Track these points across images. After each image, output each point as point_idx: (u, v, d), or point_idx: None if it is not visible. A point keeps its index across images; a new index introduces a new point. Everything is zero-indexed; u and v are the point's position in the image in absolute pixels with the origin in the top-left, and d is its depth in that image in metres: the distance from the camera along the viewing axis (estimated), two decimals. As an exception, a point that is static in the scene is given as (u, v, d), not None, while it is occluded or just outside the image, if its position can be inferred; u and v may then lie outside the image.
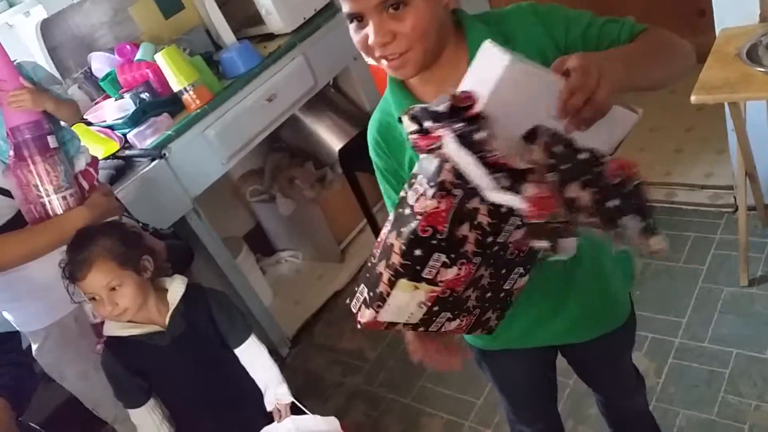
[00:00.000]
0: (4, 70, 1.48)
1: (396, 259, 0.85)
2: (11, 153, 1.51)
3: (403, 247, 0.83)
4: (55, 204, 1.53)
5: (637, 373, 1.43)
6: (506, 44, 1.01)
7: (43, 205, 1.52)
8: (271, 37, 2.51)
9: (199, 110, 2.15)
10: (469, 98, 0.79)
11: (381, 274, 0.87)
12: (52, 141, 1.54)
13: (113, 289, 1.42)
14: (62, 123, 1.63)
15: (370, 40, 0.95)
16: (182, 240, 1.99)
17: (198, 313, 1.53)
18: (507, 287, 0.97)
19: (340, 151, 2.49)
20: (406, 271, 0.85)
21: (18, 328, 1.71)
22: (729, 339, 1.88)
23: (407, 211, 0.84)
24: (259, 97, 2.30)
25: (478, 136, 0.78)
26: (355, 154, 2.45)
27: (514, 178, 0.80)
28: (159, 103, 2.20)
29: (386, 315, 0.90)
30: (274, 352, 2.17)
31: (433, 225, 0.82)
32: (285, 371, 1.67)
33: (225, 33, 2.49)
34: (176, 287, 1.53)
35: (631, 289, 1.26)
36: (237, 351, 1.57)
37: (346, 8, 0.96)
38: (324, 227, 2.76)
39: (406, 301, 0.89)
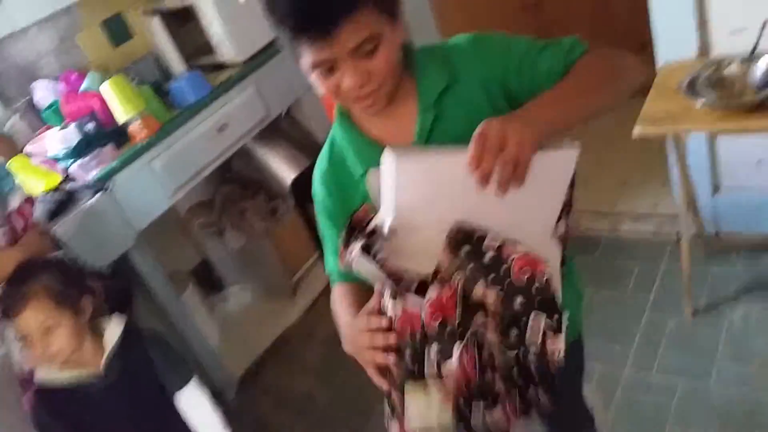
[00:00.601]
0: None
1: (392, 366, 0.89)
2: None
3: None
4: None
5: (587, 407, 1.42)
6: (452, 80, 1.02)
7: None
8: (222, 66, 2.48)
9: (145, 141, 2.10)
10: (365, 213, 0.89)
11: (387, 384, 0.91)
12: None
13: (48, 329, 1.35)
14: None
15: (345, 85, 0.93)
16: (122, 278, 1.93)
17: (135, 356, 1.47)
18: (528, 355, 0.88)
19: (293, 181, 2.46)
20: (405, 373, 0.88)
21: None
22: (674, 369, 1.90)
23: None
24: (209, 128, 2.27)
25: (376, 248, 0.85)
26: (308, 184, 2.42)
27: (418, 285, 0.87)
28: (104, 134, 2.14)
29: (414, 422, 0.90)
30: (219, 395, 2.11)
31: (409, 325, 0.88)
32: (230, 417, 1.60)
33: (175, 62, 2.45)
34: (113, 329, 1.47)
35: (580, 309, 1.23)
36: (177, 396, 1.50)
37: (315, 57, 0.91)
38: (275, 261, 2.71)
39: (425, 404, 0.88)
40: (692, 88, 1.67)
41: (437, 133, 1.03)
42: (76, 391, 1.41)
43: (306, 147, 2.71)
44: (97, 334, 1.46)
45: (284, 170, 2.66)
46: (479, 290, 0.85)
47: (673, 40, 1.92)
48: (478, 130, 0.81)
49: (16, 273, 1.41)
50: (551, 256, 0.90)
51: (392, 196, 0.85)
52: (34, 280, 1.37)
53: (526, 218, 0.87)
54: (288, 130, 2.72)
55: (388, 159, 0.85)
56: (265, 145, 2.67)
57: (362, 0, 0.88)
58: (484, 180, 0.79)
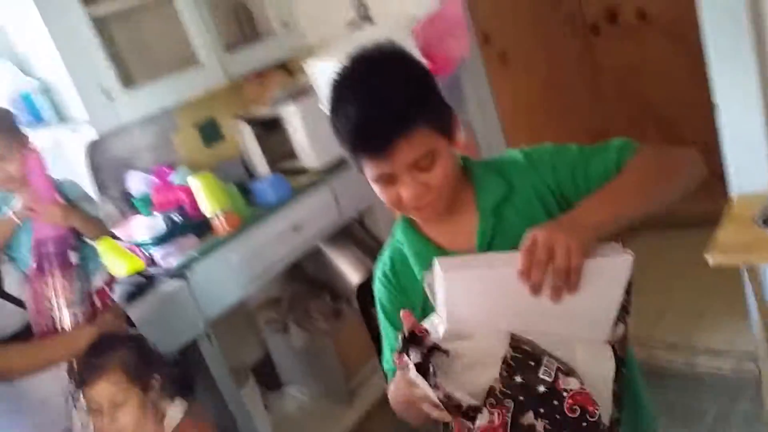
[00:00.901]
0: (42, 185, 1.56)
1: None
2: (33, 264, 1.55)
3: None
4: (65, 319, 1.55)
5: None
6: (510, 191, 1.06)
7: (53, 318, 1.54)
8: (303, 171, 2.63)
9: (226, 235, 2.21)
10: (421, 331, 0.88)
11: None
12: (73, 257, 1.59)
13: (117, 404, 1.39)
14: (86, 239, 1.68)
15: (404, 196, 0.99)
16: (187, 364, 1.96)
17: None
18: None
19: (359, 286, 2.50)
20: None
21: None
22: None
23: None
24: (285, 227, 2.37)
25: (431, 367, 0.86)
26: (372, 289, 2.46)
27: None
28: (188, 225, 2.27)
29: None
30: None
31: None
32: None
33: (260, 165, 2.62)
34: (175, 412, 1.49)
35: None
36: None
37: (376, 171, 0.98)
38: (335, 363, 2.70)
39: None
40: (767, 221, 1.67)
41: (498, 239, 1.06)
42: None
43: (374, 252, 2.77)
44: (159, 414, 1.48)
45: (351, 273, 2.72)
46: (528, 419, 0.86)
47: (745, 172, 1.93)
48: (525, 240, 0.84)
49: (96, 345, 1.47)
50: (606, 358, 0.90)
51: (443, 308, 0.88)
52: (112, 353, 1.43)
53: (580, 322, 0.88)
54: (358, 234, 2.81)
55: (437, 272, 0.88)
56: (336, 247, 2.75)
57: (416, 120, 0.95)
58: (536, 290, 0.82)
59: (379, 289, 1.18)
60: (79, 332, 1.56)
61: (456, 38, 2.22)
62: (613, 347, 0.92)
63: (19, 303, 1.56)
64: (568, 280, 0.81)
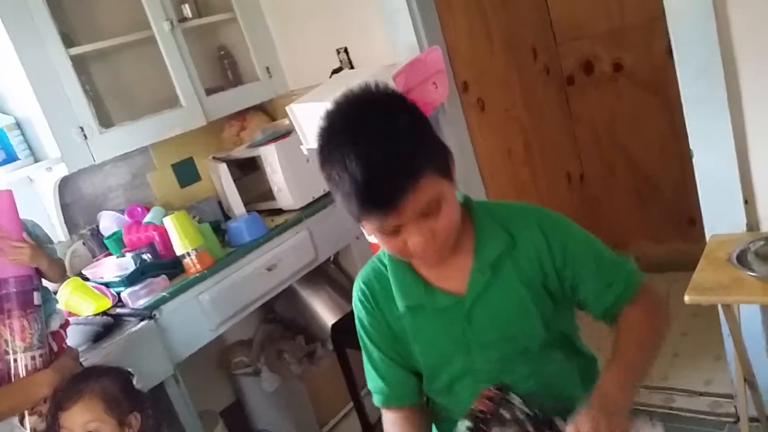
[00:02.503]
0: (10, 223, 1.51)
1: None
2: None
3: None
4: (21, 364, 1.48)
5: None
6: (512, 246, 1.06)
7: (8, 362, 1.47)
8: (279, 212, 2.61)
9: (197, 274, 2.17)
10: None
11: None
12: (36, 297, 1.53)
13: None
14: (44, 282, 1.63)
15: (411, 244, 0.97)
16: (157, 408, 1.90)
17: None
18: None
19: (333, 326, 2.46)
20: None
21: None
22: None
23: None
24: (259, 266, 2.33)
25: None
26: (347, 330, 2.41)
27: None
28: (159, 264, 2.22)
29: None
30: None
31: None
32: None
33: (236, 205, 2.59)
34: None
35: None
36: None
37: (378, 224, 0.95)
38: (308, 407, 2.63)
39: None
40: (742, 260, 1.68)
41: (490, 293, 1.05)
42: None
43: (349, 293, 2.74)
44: None
45: (326, 314, 2.68)
46: None
47: (720, 214, 1.95)
48: (570, 429, 0.90)
49: (85, 370, 1.46)
50: None
51: None
52: (94, 381, 1.40)
53: None
54: (333, 275, 2.77)
55: None
56: (310, 288, 2.72)
57: (424, 168, 0.92)
58: None
59: (357, 307, 1.17)
60: (39, 378, 1.49)
61: (435, 85, 2.25)
62: None
63: None
64: None
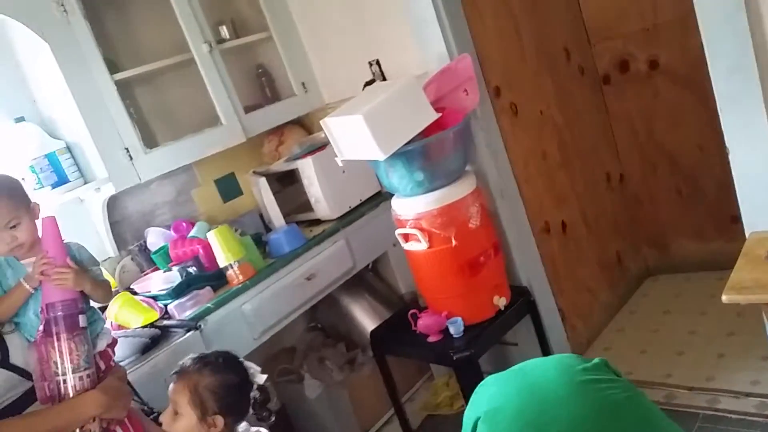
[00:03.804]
0: (54, 249, 1.57)
1: None
2: (40, 328, 1.54)
3: None
4: (70, 384, 1.53)
5: None
6: None
7: (58, 383, 1.52)
8: (317, 222, 2.68)
9: (240, 285, 2.25)
10: None
11: None
12: (82, 320, 1.58)
13: (176, 413, 1.50)
14: (92, 303, 1.69)
15: None
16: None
17: None
18: None
19: (372, 332, 2.50)
20: None
21: None
22: None
23: None
24: (299, 276, 2.40)
25: None
26: (387, 336, 2.46)
27: None
28: (204, 277, 2.31)
29: None
30: None
31: None
32: None
33: (276, 217, 2.67)
34: None
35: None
36: None
37: None
38: (350, 414, 2.67)
39: None
40: (782, 258, 1.64)
41: None
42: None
43: (388, 300, 2.78)
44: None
45: (365, 321, 2.72)
46: None
47: (759, 211, 1.91)
48: None
49: (200, 358, 1.57)
50: None
51: None
52: (198, 372, 1.51)
53: None
54: (372, 282, 2.82)
55: None
56: (349, 296, 2.76)
57: None
58: None
59: None
60: (86, 398, 1.54)
61: (466, 92, 2.28)
62: None
63: (22, 373, 1.53)
64: None
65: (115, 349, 1.78)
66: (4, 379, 1.49)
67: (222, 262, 2.30)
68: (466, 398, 2.19)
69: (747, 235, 1.93)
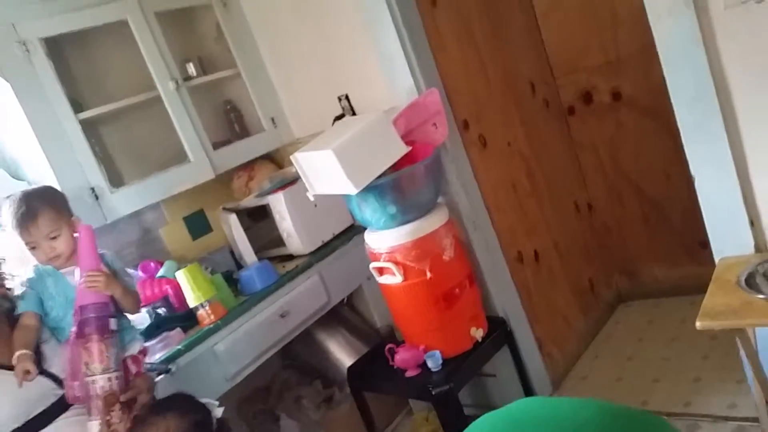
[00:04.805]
0: (90, 254, 1.68)
1: None
2: (74, 329, 1.63)
3: None
4: (99, 384, 1.60)
5: None
6: None
7: (87, 384, 1.59)
8: (290, 257, 2.65)
9: (211, 325, 2.19)
10: None
11: None
12: (112, 323, 1.68)
13: None
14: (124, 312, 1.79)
15: None
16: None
17: None
18: None
19: (350, 368, 2.46)
20: None
21: None
22: None
23: None
24: (272, 313, 2.36)
25: None
26: (364, 372, 2.42)
27: None
28: (174, 318, 2.26)
29: None
30: None
31: None
32: None
33: (247, 254, 2.63)
34: None
35: None
36: None
37: None
38: (328, 453, 2.62)
39: None
40: (750, 282, 1.68)
41: None
42: None
43: (364, 334, 2.75)
44: None
45: (342, 356, 2.68)
46: None
47: (727, 236, 1.95)
48: None
49: (154, 406, 1.57)
50: None
51: None
52: (165, 413, 1.50)
53: None
54: (348, 317, 2.78)
55: None
56: (325, 331, 2.73)
57: None
58: None
59: None
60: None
61: (435, 125, 2.30)
62: None
63: (56, 380, 1.62)
64: None
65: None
66: (40, 386, 1.58)
67: (192, 302, 2.24)
68: (447, 432, 2.16)
69: (716, 261, 1.96)
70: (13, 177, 2.29)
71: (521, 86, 3.04)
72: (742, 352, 1.91)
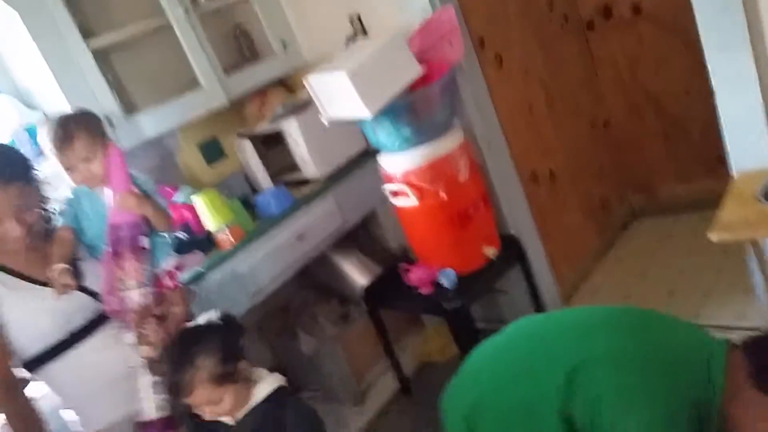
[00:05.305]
0: (121, 175, 1.73)
1: None
2: (108, 247, 1.69)
3: None
4: (133, 299, 1.67)
5: None
6: None
7: (122, 298, 1.66)
8: (305, 182, 2.67)
9: (231, 248, 2.25)
10: None
11: None
12: (144, 241, 1.73)
13: (215, 401, 1.52)
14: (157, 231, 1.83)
15: None
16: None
17: (274, 418, 1.55)
18: None
19: (366, 288, 2.53)
20: None
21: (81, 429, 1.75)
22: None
23: None
24: (289, 236, 2.41)
25: None
26: (379, 291, 2.49)
27: None
28: (194, 242, 2.31)
29: None
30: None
31: None
32: None
33: (263, 178, 2.66)
34: (265, 386, 1.59)
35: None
36: None
37: None
38: (344, 367, 2.72)
39: None
40: (768, 196, 1.67)
41: None
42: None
43: (379, 255, 2.80)
44: (247, 383, 1.58)
45: (358, 277, 2.74)
46: None
47: (745, 150, 1.94)
48: None
49: (176, 358, 1.54)
50: None
51: None
52: (194, 368, 1.49)
53: None
54: (363, 239, 2.83)
55: None
56: (341, 253, 2.78)
57: None
58: None
59: None
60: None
61: (450, 44, 2.24)
62: None
63: (93, 295, 1.69)
64: None
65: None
66: (78, 300, 1.66)
67: (211, 227, 2.29)
68: (460, 346, 2.24)
69: (733, 174, 1.95)
70: (26, 106, 2.29)
71: (539, 1, 2.94)
72: (754, 264, 1.93)
